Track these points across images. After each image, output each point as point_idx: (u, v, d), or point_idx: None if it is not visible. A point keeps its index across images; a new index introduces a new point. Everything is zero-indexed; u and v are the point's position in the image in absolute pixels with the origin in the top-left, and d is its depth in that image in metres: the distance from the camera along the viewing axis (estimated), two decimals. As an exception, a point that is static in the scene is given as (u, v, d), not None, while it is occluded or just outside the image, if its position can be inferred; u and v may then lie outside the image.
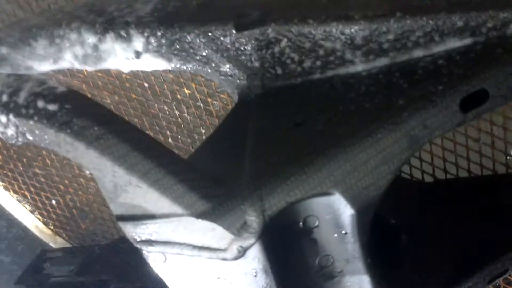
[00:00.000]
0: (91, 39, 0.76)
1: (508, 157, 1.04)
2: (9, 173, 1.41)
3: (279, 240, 0.63)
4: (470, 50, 0.66)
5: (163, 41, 0.73)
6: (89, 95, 1.25)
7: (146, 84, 1.21)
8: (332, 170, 0.60)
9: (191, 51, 0.78)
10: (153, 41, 0.77)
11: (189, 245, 0.61)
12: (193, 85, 1.19)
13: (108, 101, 1.27)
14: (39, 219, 1.51)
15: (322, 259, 0.66)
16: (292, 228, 0.63)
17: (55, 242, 1.56)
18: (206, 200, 0.59)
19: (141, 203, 0.60)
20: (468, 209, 0.86)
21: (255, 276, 0.61)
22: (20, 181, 1.43)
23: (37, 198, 1.49)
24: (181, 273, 0.64)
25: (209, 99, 1.19)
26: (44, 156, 1.38)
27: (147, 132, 1.29)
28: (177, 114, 1.23)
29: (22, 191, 1.44)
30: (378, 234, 0.81)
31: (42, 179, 1.45)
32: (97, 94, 1.26)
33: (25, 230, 1.54)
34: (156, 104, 1.23)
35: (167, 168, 0.59)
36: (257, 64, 0.76)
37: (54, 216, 1.50)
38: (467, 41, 0.65)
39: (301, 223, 0.63)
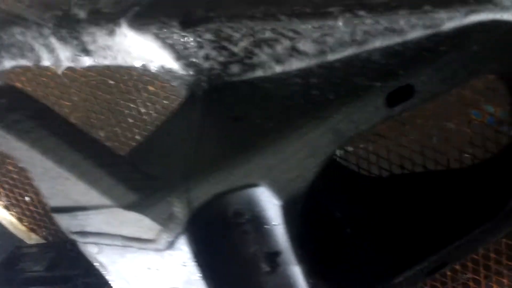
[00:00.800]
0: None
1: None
2: None
3: (210, 232, 0.64)
4: (400, 48, 0.67)
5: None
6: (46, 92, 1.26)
7: (112, 82, 1.23)
8: (258, 163, 0.62)
9: (137, 48, 0.79)
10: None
11: (120, 236, 0.62)
12: (158, 83, 1.21)
13: (76, 98, 1.28)
14: (13, 215, 1.53)
15: (254, 251, 0.67)
16: (223, 221, 0.64)
17: (29, 238, 1.58)
18: (134, 192, 0.61)
19: (72, 195, 0.62)
20: (414, 203, 0.88)
21: (184, 266, 0.62)
22: None
23: (10, 195, 1.50)
24: (114, 263, 0.66)
25: (173, 96, 1.21)
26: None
27: (115, 129, 1.31)
28: (142, 111, 1.25)
29: None
30: (321, 227, 0.82)
31: (15, 176, 1.47)
32: (64, 91, 1.27)
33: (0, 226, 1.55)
34: (122, 101, 1.25)
35: (96, 161, 0.60)
36: (202, 61, 0.78)
37: (27, 213, 1.52)
38: (398, 39, 0.67)
39: (231, 216, 0.64)
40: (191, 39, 0.78)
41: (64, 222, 0.63)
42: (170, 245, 0.60)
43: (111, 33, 0.76)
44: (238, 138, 0.67)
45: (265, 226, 0.66)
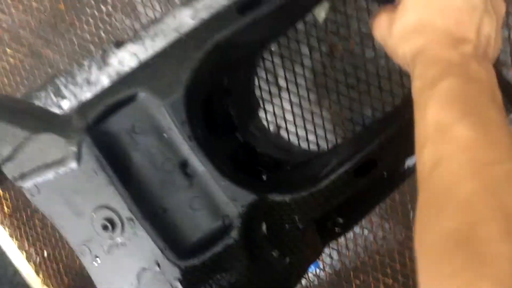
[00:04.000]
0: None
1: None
2: (15, 221, 1.62)
3: (116, 146, 0.75)
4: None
5: None
6: None
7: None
8: (136, 76, 0.74)
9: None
10: None
11: (44, 165, 0.75)
12: None
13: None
14: (32, 267, 1.67)
15: (163, 164, 0.76)
16: (125, 136, 0.75)
17: (42, 290, 1.70)
18: (47, 122, 0.75)
19: (8, 141, 0.77)
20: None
21: (96, 174, 0.72)
22: (22, 230, 1.62)
23: (32, 247, 1.66)
24: (52, 199, 0.77)
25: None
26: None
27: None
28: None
29: (23, 239, 1.64)
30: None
31: (39, 230, 1.64)
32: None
33: (19, 276, 1.70)
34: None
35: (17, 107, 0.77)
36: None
37: (44, 267, 1.66)
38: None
39: (131, 129, 0.75)
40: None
41: (10, 170, 0.77)
42: (78, 156, 0.72)
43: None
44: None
45: (164, 135, 0.75)
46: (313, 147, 1.09)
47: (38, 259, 1.61)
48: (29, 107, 0.81)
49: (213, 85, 0.84)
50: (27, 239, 1.60)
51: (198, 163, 0.74)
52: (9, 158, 0.78)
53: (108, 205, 0.73)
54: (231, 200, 0.73)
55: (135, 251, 0.74)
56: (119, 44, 0.86)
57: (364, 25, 1.01)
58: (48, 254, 1.59)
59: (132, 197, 0.73)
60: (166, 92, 0.73)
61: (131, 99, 0.74)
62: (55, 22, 1.37)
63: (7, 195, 1.62)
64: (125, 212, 0.72)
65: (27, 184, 0.78)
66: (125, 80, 0.74)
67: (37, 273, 1.62)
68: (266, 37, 0.91)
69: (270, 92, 1.11)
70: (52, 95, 0.91)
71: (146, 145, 0.76)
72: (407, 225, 1.18)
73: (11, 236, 1.64)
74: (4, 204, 1.63)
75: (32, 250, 1.61)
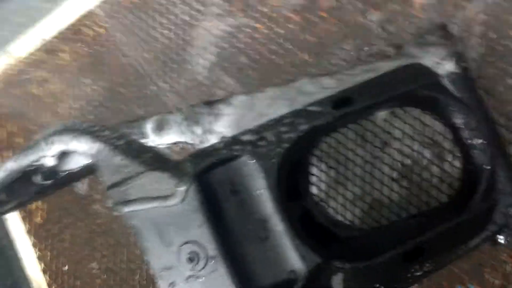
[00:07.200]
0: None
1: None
2: (44, 233, 1.69)
3: (214, 192, 0.89)
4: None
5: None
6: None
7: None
8: (242, 140, 0.90)
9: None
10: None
11: (149, 197, 0.88)
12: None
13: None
14: (45, 280, 1.71)
15: (248, 217, 0.90)
16: (222, 186, 0.90)
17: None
18: (161, 162, 0.89)
19: (121, 171, 0.90)
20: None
21: (194, 214, 0.86)
22: (50, 242, 1.70)
23: (55, 259, 1.71)
24: (146, 226, 0.89)
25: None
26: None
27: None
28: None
29: (46, 251, 1.70)
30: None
31: (67, 245, 1.70)
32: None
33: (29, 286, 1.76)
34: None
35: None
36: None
37: (59, 281, 1.70)
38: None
39: (227, 182, 0.90)
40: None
41: (115, 195, 0.90)
42: (183, 196, 0.85)
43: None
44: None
45: (254, 193, 0.90)
46: (360, 224, 1.23)
47: (55, 273, 1.68)
48: (142, 145, 0.95)
49: (297, 158, 0.99)
50: (51, 252, 1.68)
51: (277, 222, 0.88)
52: (116, 185, 0.92)
53: (198, 241, 0.86)
54: (300, 258, 0.86)
55: (211, 285, 0.86)
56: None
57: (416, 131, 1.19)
58: (68, 270, 1.67)
59: (220, 238, 0.86)
60: (265, 159, 0.88)
61: (234, 158, 0.89)
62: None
63: (44, 205, 1.71)
64: (211, 250, 0.85)
65: (127, 209, 0.91)
66: (233, 141, 0.89)
67: (49, 286, 1.69)
68: (342, 126, 1.08)
69: (325, 172, 1.26)
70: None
71: (237, 198, 0.90)
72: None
73: (34, 246, 1.72)
74: (39, 214, 1.72)
75: (54, 263, 1.69)
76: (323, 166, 1.27)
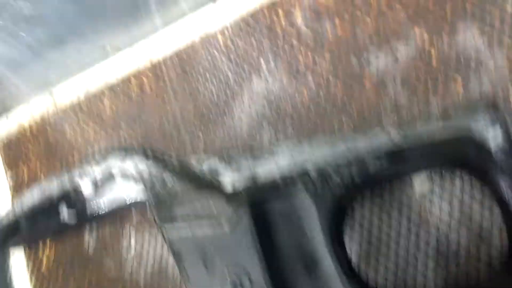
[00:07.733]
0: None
1: None
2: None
3: (266, 224, 0.87)
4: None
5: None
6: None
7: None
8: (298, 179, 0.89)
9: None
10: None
11: (197, 218, 0.86)
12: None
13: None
14: None
15: (298, 252, 0.87)
16: (275, 219, 0.87)
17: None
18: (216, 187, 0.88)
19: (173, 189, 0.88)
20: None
21: (243, 243, 0.83)
22: None
23: None
24: (188, 247, 0.86)
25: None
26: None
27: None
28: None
29: None
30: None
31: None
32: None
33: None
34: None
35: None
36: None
37: None
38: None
39: (281, 216, 0.87)
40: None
41: (161, 210, 0.88)
42: (235, 224, 0.83)
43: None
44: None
45: (306, 232, 0.87)
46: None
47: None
48: (195, 169, 0.95)
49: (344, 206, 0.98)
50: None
51: (329, 265, 0.85)
52: (164, 202, 0.90)
53: (245, 273, 0.83)
54: (348, 302, 0.82)
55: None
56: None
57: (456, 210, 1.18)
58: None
59: (269, 272, 0.83)
60: (322, 200, 0.87)
61: (291, 193, 0.88)
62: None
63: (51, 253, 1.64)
64: (259, 280, 0.82)
65: (171, 226, 0.88)
66: (291, 179, 0.89)
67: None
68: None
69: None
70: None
71: (289, 233, 0.87)
72: None
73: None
74: (44, 262, 1.64)
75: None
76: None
